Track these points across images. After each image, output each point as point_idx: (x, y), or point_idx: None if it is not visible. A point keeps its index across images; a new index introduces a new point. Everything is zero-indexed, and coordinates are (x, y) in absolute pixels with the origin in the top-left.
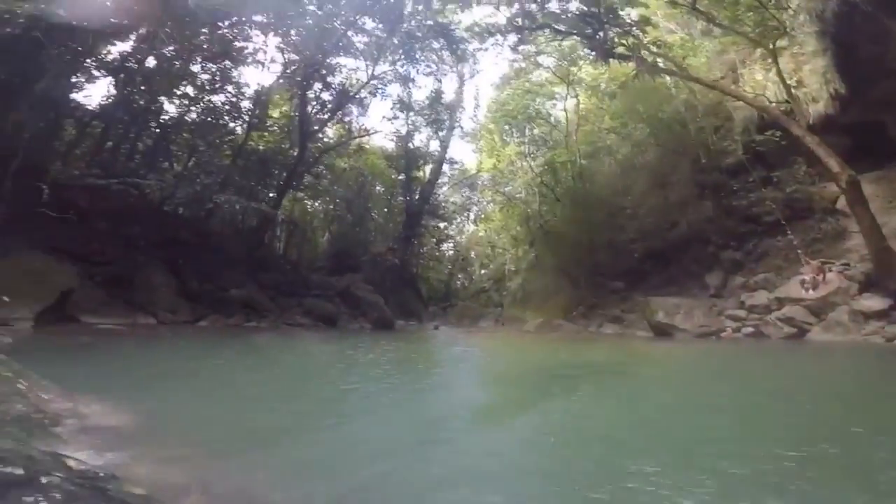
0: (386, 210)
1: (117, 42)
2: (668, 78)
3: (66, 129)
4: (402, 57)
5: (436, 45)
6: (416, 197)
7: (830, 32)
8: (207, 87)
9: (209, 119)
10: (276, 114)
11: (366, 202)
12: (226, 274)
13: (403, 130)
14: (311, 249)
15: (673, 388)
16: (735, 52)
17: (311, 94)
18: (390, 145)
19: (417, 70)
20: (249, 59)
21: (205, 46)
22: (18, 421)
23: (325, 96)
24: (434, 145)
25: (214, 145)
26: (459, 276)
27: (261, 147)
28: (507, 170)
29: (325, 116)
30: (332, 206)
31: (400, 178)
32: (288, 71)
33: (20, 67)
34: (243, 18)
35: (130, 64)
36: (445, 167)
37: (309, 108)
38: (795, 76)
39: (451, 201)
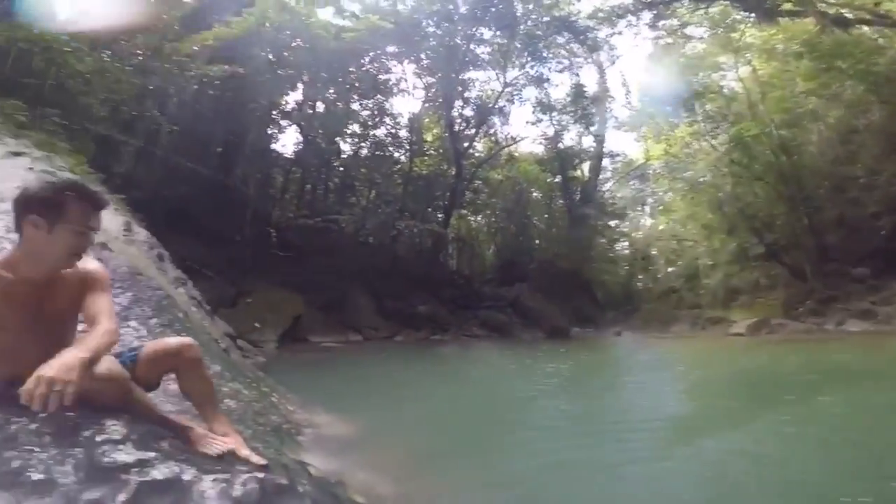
0: (546, 216)
1: (290, 92)
2: (865, 28)
3: (274, 177)
4: (529, 59)
5: (560, 39)
6: (578, 197)
7: None
8: (370, 123)
9: (377, 152)
10: (429, 137)
11: (524, 210)
12: (412, 293)
13: (550, 132)
14: (480, 263)
15: None
16: None
17: (455, 113)
18: (540, 149)
19: (549, 68)
20: (395, 90)
21: (356, 84)
22: (274, 431)
23: (468, 112)
24: (587, 141)
25: (387, 176)
26: (640, 276)
27: (423, 171)
28: (682, 153)
29: (472, 132)
30: (493, 219)
31: (556, 180)
32: (429, 94)
33: (229, 126)
34: (378, 52)
35: (306, 110)
36: (606, 162)
37: (456, 127)
38: None
39: (618, 197)
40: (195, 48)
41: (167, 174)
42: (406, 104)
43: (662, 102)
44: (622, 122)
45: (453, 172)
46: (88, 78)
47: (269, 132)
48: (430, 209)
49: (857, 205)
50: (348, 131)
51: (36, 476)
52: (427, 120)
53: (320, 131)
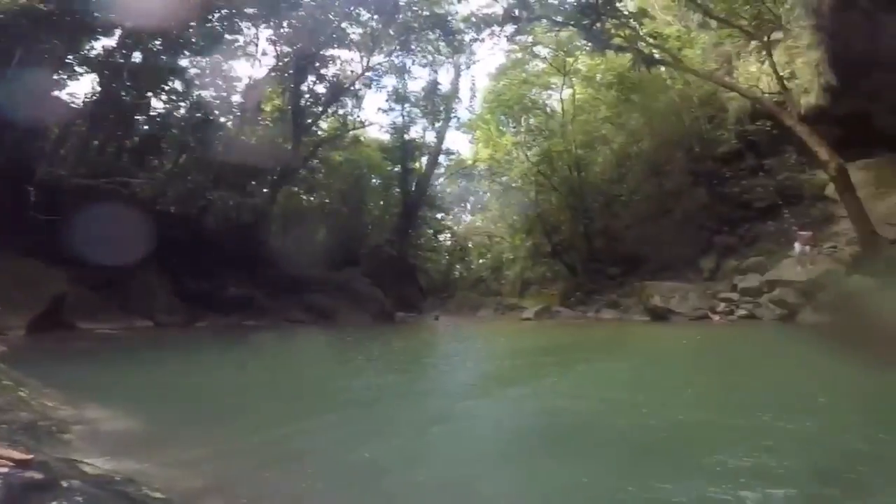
0: (382, 202)
1: (102, 37)
2: (663, 69)
3: (49, 128)
4: (398, 48)
5: (432, 35)
6: (413, 188)
7: (825, 27)
8: (196, 82)
9: (199, 115)
10: (268, 108)
11: (362, 195)
12: (222, 272)
13: (399, 122)
14: (308, 244)
15: (657, 367)
16: (730, 44)
17: (304, 87)
18: (386, 137)
19: (413, 61)
20: (240, 53)
21: (193, 40)
22: (26, 429)
23: (319, 89)
24: (430, 136)
25: (206, 142)
26: (457, 266)
27: (253, 141)
28: (503, 160)
29: (319, 109)
30: (327, 200)
31: (396, 170)
32: (280, 63)
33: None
34: (233, 11)
35: (116, 59)
36: (442, 158)
37: (302, 102)
38: (788, 68)
39: (447, 192)
40: None
41: None
42: (248, 69)
43: (498, 111)
44: (462, 124)
45: (289, 147)
46: None
47: (56, 77)
48: (254, 182)
49: (617, 218)
50: (166, 87)
51: None
52: (269, 90)
53: (128, 84)
